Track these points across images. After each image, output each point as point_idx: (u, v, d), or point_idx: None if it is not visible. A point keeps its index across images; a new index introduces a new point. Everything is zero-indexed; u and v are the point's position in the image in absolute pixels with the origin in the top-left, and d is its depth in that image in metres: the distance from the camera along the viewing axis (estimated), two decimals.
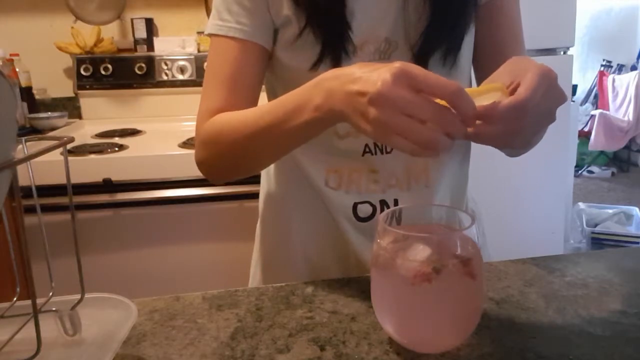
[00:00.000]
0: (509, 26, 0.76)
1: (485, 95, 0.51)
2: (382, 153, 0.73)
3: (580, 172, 4.75)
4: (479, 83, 0.80)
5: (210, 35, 0.71)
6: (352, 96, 0.49)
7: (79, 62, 1.97)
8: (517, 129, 0.50)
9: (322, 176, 0.75)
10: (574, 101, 2.16)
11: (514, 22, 0.77)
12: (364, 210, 0.75)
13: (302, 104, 0.56)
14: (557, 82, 0.52)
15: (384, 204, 0.75)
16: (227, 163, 0.70)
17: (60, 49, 1.99)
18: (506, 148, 0.56)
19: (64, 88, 2.06)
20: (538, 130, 0.53)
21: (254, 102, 0.72)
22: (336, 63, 0.68)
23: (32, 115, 1.88)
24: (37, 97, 2.02)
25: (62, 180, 0.52)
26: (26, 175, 0.50)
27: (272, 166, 0.83)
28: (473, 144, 0.81)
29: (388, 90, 0.45)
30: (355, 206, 0.75)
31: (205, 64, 0.74)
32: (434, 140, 0.46)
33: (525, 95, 0.49)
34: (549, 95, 0.51)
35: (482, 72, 0.78)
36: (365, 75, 0.48)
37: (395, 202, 0.75)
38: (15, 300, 0.52)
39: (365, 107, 0.47)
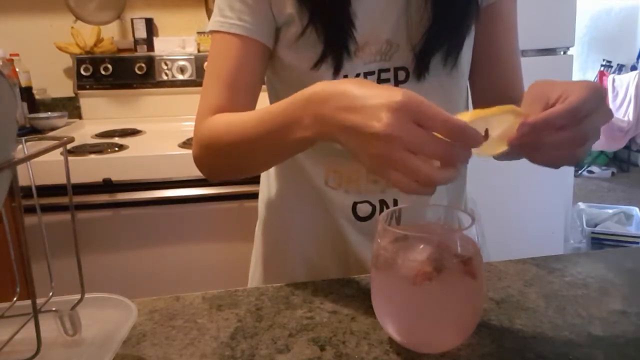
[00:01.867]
0: (505, 32, 0.76)
1: (498, 116, 0.50)
2: None
3: (580, 172, 4.75)
4: (471, 87, 0.80)
5: (211, 32, 0.71)
6: (352, 125, 0.47)
7: (79, 62, 1.97)
8: (573, 138, 0.48)
9: (322, 176, 0.75)
10: None
11: (510, 28, 0.77)
12: (364, 209, 0.75)
13: (292, 121, 0.54)
14: (606, 99, 0.51)
15: (383, 203, 0.75)
16: (222, 165, 0.71)
17: (60, 49, 1.99)
18: (560, 164, 0.52)
19: (64, 88, 2.06)
20: (588, 144, 0.51)
21: (253, 100, 0.72)
22: (338, 63, 0.68)
23: (32, 115, 1.88)
24: (37, 97, 2.02)
25: (62, 180, 0.52)
26: (26, 175, 0.50)
27: None
28: None
29: (393, 128, 0.43)
30: (354, 206, 0.75)
31: (206, 63, 0.74)
32: (432, 179, 0.44)
33: (578, 100, 0.48)
34: (601, 108, 0.50)
35: (474, 75, 0.78)
36: (365, 104, 0.46)
37: (395, 202, 0.75)
38: (15, 300, 0.52)
39: (367, 140, 0.45)
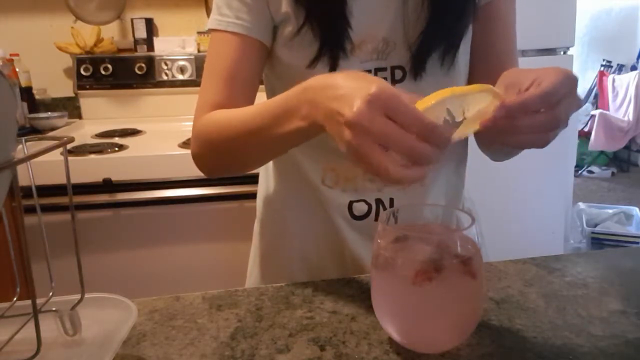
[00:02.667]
0: (504, 31, 0.76)
1: (476, 94, 0.50)
2: None
3: (580, 172, 4.75)
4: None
5: (210, 30, 0.71)
6: (332, 113, 0.49)
7: (79, 62, 1.97)
8: (546, 122, 0.49)
9: (319, 174, 0.76)
10: None
11: (509, 27, 0.76)
12: (360, 208, 0.76)
13: (289, 111, 0.56)
14: (577, 86, 0.52)
15: (379, 202, 0.75)
16: (219, 160, 0.71)
17: (60, 49, 1.99)
18: (530, 146, 0.53)
19: (64, 88, 2.06)
20: (559, 129, 0.52)
21: (251, 97, 0.72)
22: (334, 61, 0.68)
23: (32, 115, 1.88)
24: (37, 97, 2.02)
25: (62, 180, 0.52)
26: (26, 175, 0.50)
27: (270, 164, 0.83)
28: (470, 147, 0.81)
29: (362, 117, 0.45)
30: (350, 204, 0.76)
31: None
32: (391, 175, 0.45)
33: (552, 85, 0.49)
34: (572, 94, 0.51)
35: (471, 75, 0.77)
36: (346, 94, 0.48)
37: (391, 201, 0.75)
38: (15, 300, 0.52)
39: (341, 127, 0.47)
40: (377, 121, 0.45)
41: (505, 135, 0.51)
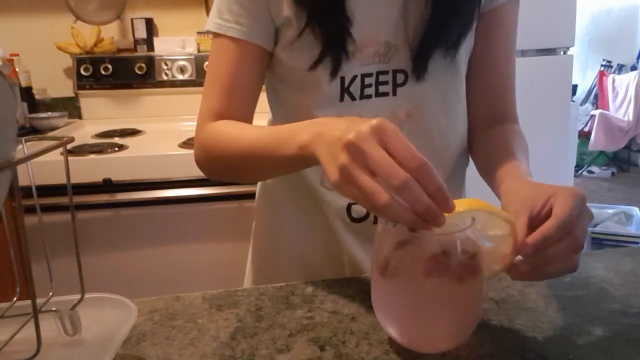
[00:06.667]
0: (505, 38, 0.76)
1: (501, 220, 0.51)
2: None
3: (580, 172, 4.75)
4: (467, 97, 0.79)
5: (210, 33, 0.71)
6: (333, 141, 0.48)
7: (79, 62, 1.97)
8: (570, 247, 0.49)
9: (317, 176, 0.75)
10: (574, 101, 2.16)
11: (510, 36, 0.76)
12: (358, 211, 0.75)
13: (291, 137, 0.56)
14: (585, 202, 0.52)
15: None
16: (223, 171, 0.73)
17: (60, 49, 1.99)
18: (562, 274, 0.52)
19: (64, 88, 2.06)
20: (582, 249, 0.51)
21: (253, 103, 0.73)
22: (336, 64, 0.68)
23: (32, 115, 1.88)
24: (37, 97, 2.02)
25: (62, 180, 0.52)
26: (26, 175, 0.50)
27: None
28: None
29: (361, 140, 0.45)
30: (349, 207, 0.75)
31: (206, 63, 0.75)
32: (383, 201, 0.44)
33: (566, 212, 0.49)
34: (584, 212, 0.51)
35: (467, 79, 0.77)
36: (351, 125, 0.48)
37: None
38: (15, 300, 0.52)
39: (338, 150, 0.47)
40: (374, 147, 0.44)
41: (535, 270, 0.50)
